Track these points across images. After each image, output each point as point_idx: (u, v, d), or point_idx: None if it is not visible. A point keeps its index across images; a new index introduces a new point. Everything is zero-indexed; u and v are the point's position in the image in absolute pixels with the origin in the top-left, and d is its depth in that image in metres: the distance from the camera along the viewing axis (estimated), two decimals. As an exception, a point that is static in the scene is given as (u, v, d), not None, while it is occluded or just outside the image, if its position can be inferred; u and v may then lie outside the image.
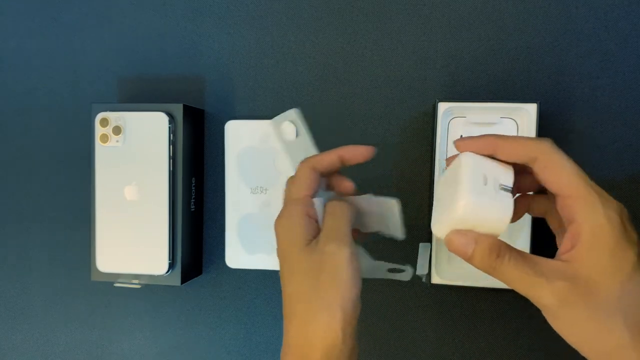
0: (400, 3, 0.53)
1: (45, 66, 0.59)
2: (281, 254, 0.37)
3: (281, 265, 0.37)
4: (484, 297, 0.52)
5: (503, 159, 0.34)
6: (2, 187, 0.61)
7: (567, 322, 0.31)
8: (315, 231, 0.37)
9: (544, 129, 0.50)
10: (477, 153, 0.34)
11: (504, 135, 0.34)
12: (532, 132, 0.48)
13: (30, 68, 0.60)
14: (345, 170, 0.55)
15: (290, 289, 0.35)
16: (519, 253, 0.32)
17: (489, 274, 0.33)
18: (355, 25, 0.54)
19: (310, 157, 0.39)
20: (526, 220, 0.48)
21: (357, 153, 0.39)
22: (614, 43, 0.50)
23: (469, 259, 0.33)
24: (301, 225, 0.36)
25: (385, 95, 0.54)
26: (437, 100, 0.49)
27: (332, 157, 0.38)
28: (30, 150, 0.60)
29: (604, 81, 0.51)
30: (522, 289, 0.31)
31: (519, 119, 0.49)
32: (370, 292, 0.54)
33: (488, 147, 0.34)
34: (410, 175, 0.53)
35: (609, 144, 0.51)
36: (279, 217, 0.38)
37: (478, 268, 0.33)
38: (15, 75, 0.60)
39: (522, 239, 0.48)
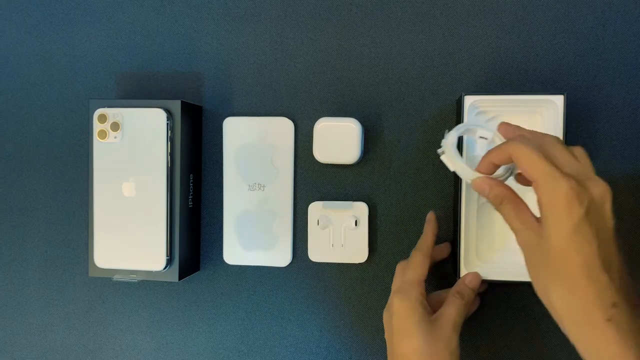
0: (398, 0, 0.53)
1: (43, 62, 0.59)
2: (404, 321, 0.45)
3: (397, 329, 0.45)
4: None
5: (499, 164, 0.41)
6: (0, 183, 0.61)
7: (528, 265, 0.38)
8: (427, 309, 0.45)
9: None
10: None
11: (492, 149, 0.41)
12: (559, 123, 0.48)
13: (28, 64, 0.60)
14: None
15: (406, 348, 0.44)
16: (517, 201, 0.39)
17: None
18: (354, 22, 0.54)
19: (421, 244, 0.48)
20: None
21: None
22: (612, 41, 0.51)
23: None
24: (421, 303, 0.45)
25: (383, 92, 0.54)
26: (463, 93, 0.48)
27: (431, 237, 0.49)
28: (28, 146, 0.60)
29: (602, 80, 0.51)
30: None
31: (545, 110, 0.49)
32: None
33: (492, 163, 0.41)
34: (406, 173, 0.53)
35: (607, 142, 0.51)
36: (400, 292, 0.46)
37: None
38: (13, 71, 0.60)
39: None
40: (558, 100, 0.48)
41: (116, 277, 0.53)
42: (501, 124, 0.43)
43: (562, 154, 0.38)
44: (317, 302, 0.56)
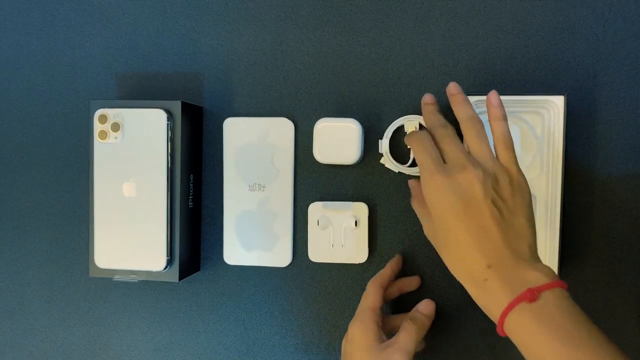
0: (398, 1, 0.53)
1: (44, 62, 0.59)
2: (357, 347, 0.46)
3: (350, 355, 0.47)
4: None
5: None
6: (1, 184, 0.61)
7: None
8: (381, 336, 0.47)
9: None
10: None
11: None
12: (559, 124, 0.48)
13: (29, 64, 0.60)
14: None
15: None
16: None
17: None
18: (354, 23, 0.54)
19: (376, 276, 0.51)
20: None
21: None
22: (612, 41, 0.51)
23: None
24: (373, 330, 0.46)
25: (383, 92, 0.54)
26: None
27: (388, 271, 0.51)
28: (28, 147, 0.60)
29: (602, 80, 0.51)
30: None
31: (545, 111, 0.49)
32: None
33: None
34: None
35: (607, 142, 0.51)
36: (355, 320, 0.48)
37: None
38: (14, 71, 0.60)
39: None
40: (558, 101, 0.48)
41: (116, 278, 0.53)
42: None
43: (447, 146, 0.43)
44: (317, 302, 0.56)
